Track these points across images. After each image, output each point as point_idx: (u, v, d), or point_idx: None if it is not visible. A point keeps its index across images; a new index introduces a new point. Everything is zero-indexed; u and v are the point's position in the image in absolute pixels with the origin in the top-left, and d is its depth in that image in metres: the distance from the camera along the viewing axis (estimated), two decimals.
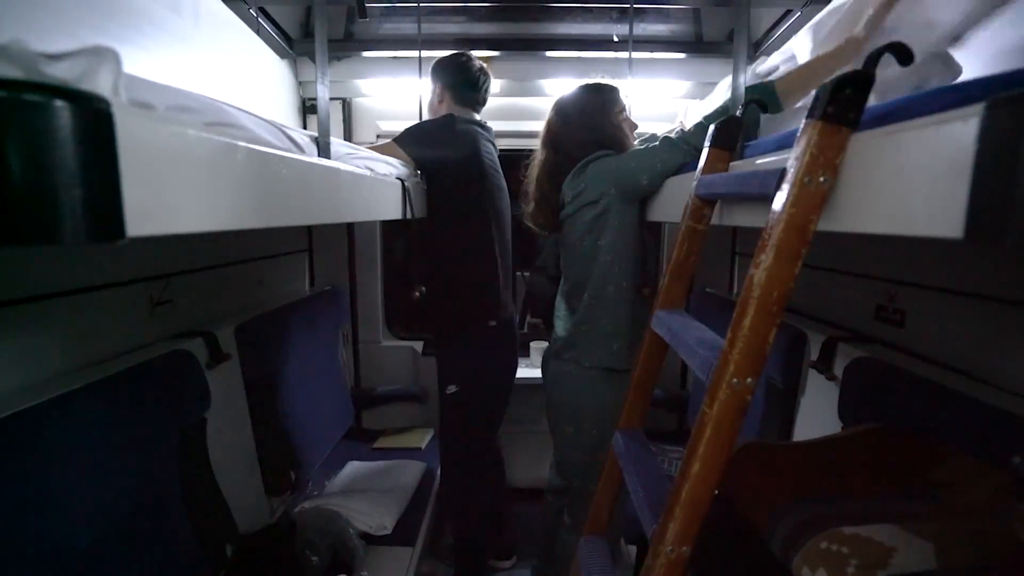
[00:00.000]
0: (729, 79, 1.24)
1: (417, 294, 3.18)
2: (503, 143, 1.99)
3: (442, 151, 1.73)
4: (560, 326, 1.59)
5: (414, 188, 1.58)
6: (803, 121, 0.57)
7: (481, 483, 1.92)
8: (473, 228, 1.79)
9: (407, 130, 1.73)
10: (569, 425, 1.54)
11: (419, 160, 1.70)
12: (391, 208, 1.38)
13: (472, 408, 1.86)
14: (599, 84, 1.55)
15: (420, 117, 2.05)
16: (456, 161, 1.74)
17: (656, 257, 1.74)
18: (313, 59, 1.05)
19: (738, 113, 0.97)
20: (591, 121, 1.49)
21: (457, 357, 1.85)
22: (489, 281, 1.81)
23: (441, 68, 1.83)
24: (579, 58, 2.26)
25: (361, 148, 1.27)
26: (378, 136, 2.46)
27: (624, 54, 1.85)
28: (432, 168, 1.74)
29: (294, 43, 2.23)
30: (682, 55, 2.29)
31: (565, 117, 1.52)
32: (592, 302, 1.46)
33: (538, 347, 2.39)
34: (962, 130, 0.38)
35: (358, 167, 1.16)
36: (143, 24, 1.30)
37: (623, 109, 1.54)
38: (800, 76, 1.11)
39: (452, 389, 1.82)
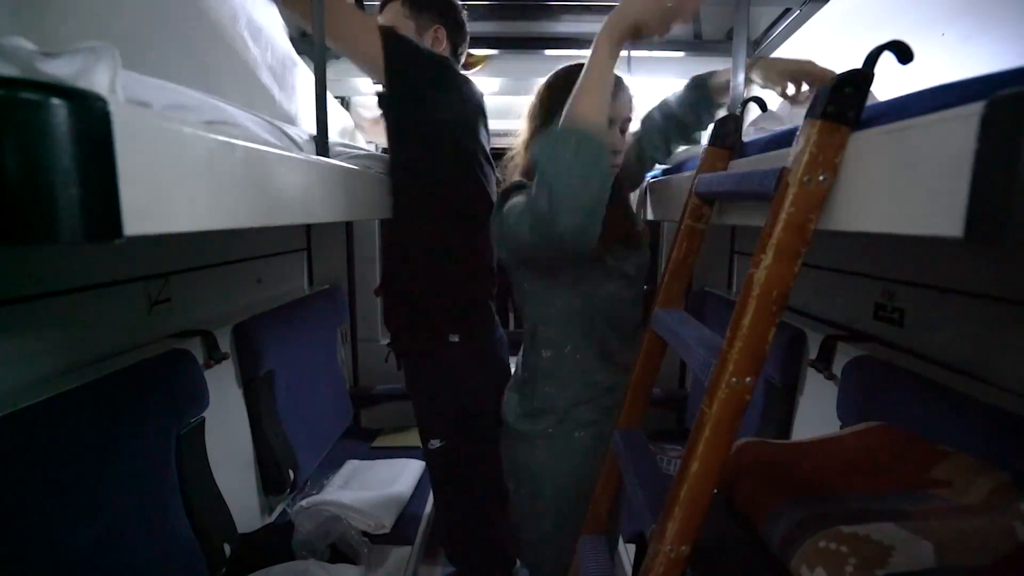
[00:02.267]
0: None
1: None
2: (499, 142, 1.97)
3: (445, 100, 1.30)
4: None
5: None
6: (802, 119, 0.57)
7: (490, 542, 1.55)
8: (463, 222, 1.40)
9: (400, 39, 1.24)
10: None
11: (406, 90, 1.25)
12: (390, 206, 1.37)
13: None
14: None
15: None
16: (459, 124, 1.35)
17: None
18: (311, 57, 1.05)
19: (737, 111, 0.97)
20: None
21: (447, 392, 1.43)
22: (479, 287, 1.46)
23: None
24: (578, 57, 2.26)
25: (359, 146, 1.26)
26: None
27: (623, 52, 1.84)
28: (419, 115, 1.29)
29: (292, 41, 2.22)
30: (681, 54, 2.28)
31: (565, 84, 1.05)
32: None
33: None
34: (962, 128, 0.37)
35: (357, 165, 1.16)
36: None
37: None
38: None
39: (435, 444, 1.44)
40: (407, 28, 1.36)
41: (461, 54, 1.48)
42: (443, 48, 1.41)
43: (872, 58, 0.52)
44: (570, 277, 1.09)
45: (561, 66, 1.18)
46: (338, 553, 1.52)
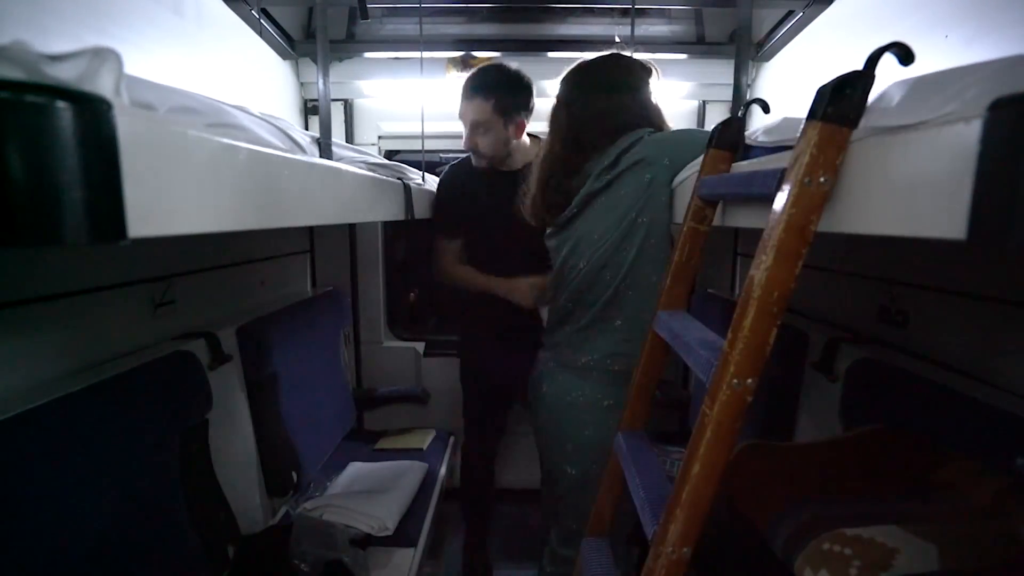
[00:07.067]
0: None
1: (412, 295, 3.19)
2: None
3: None
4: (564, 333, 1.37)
5: (416, 189, 1.58)
6: (803, 122, 0.57)
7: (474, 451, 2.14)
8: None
9: None
10: (569, 442, 1.35)
11: None
12: (392, 209, 1.38)
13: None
14: (630, 58, 1.33)
15: (422, 119, 2.04)
16: None
17: None
18: (315, 60, 1.05)
19: (740, 114, 0.97)
20: (624, 100, 1.27)
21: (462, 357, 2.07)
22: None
23: (514, 88, 1.67)
24: (581, 59, 2.26)
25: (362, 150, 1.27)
26: (380, 137, 2.46)
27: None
28: None
29: (296, 44, 2.23)
30: (684, 56, 2.28)
31: (585, 93, 1.30)
32: (615, 298, 1.26)
33: None
34: (965, 130, 0.37)
35: (359, 168, 1.17)
36: (145, 26, 1.31)
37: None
38: None
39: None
40: (497, 125, 1.64)
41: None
42: (521, 135, 1.71)
43: (873, 59, 0.52)
44: None
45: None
46: (334, 563, 1.50)
